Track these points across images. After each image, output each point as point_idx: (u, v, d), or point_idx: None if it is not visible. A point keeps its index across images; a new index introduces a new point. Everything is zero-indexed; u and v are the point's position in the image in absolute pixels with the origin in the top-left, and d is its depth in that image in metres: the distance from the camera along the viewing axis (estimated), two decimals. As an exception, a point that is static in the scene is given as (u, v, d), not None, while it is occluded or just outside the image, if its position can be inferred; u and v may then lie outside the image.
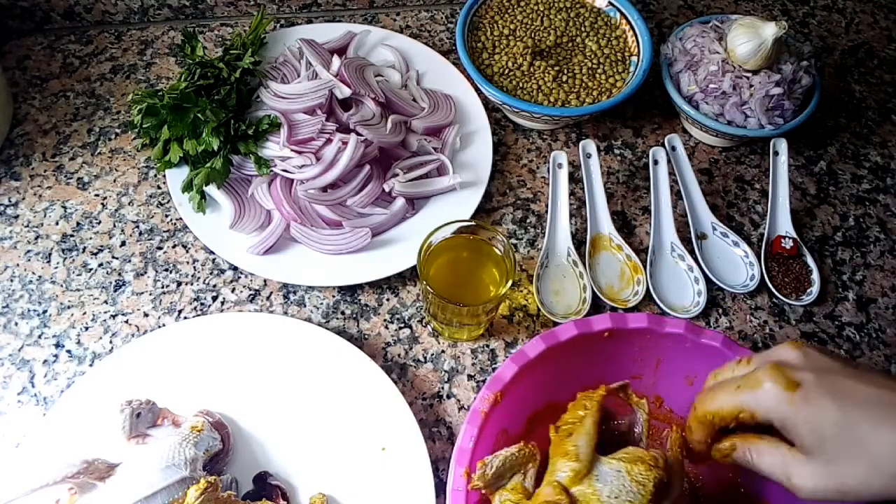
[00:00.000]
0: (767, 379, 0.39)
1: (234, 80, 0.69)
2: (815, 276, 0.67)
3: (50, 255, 0.66)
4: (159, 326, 0.62)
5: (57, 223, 0.67)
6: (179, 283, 0.65)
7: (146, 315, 0.63)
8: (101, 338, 0.61)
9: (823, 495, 0.37)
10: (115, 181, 0.70)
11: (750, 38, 0.69)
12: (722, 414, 0.41)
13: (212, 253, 0.66)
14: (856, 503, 0.37)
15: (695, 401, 0.44)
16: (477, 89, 0.76)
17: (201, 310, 0.64)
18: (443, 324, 0.61)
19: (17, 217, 0.68)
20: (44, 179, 0.70)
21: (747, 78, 0.70)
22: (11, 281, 0.64)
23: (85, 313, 0.63)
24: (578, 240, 0.68)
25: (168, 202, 0.69)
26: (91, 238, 0.67)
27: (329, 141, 0.66)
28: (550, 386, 0.53)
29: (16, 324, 0.62)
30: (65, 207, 0.68)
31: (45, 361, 0.60)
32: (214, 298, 0.64)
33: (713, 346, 0.52)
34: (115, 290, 0.64)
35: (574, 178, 0.72)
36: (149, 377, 0.57)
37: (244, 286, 0.65)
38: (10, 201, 0.68)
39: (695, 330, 0.52)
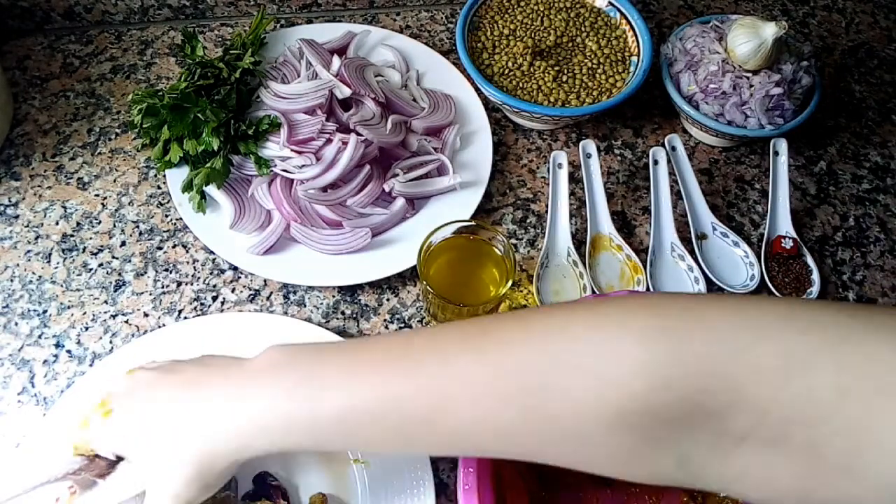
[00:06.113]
0: (92, 414, 0.41)
1: (234, 80, 0.69)
2: (815, 276, 0.67)
3: (50, 255, 0.66)
4: (159, 326, 0.62)
5: (57, 223, 0.67)
6: (179, 283, 0.65)
7: (146, 315, 0.63)
8: (101, 338, 0.61)
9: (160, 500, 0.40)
10: (115, 181, 0.70)
11: (750, 38, 0.69)
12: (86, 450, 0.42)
13: (212, 253, 0.66)
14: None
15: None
16: (477, 89, 0.76)
17: (201, 310, 0.64)
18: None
19: (17, 217, 0.68)
20: (44, 179, 0.70)
21: (747, 78, 0.70)
22: (11, 281, 0.64)
23: (85, 313, 0.63)
24: (578, 240, 0.68)
25: (168, 202, 0.69)
26: (91, 238, 0.67)
27: (329, 141, 0.66)
28: None
29: (16, 324, 0.62)
30: (65, 207, 0.68)
31: (45, 361, 0.60)
32: (214, 298, 0.64)
33: None
34: (115, 290, 0.64)
35: (574, 178, 0.71)
36: (149, 377, 0.57)
37: (244, 286, 0.65)
38: (10, 201, 0.68)
39: None
